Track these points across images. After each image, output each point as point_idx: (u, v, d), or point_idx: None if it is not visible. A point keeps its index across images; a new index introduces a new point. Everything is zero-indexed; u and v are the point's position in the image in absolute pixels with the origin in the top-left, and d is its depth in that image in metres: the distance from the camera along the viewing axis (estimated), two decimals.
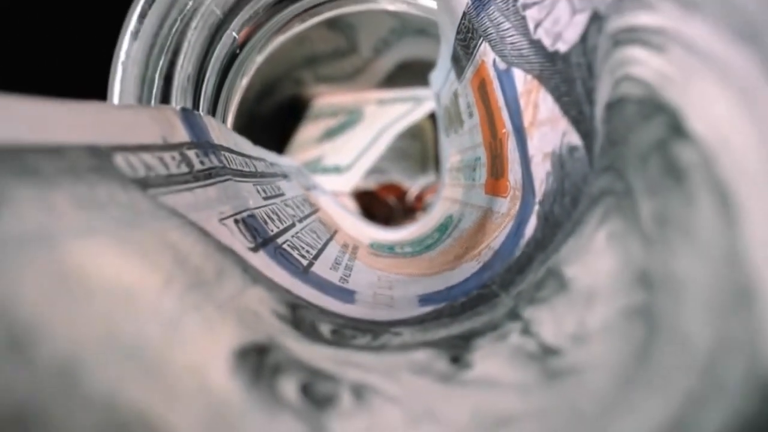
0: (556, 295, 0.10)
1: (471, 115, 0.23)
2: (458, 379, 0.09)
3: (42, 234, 0.07)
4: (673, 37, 0.08)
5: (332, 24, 0.41)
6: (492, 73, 0.16)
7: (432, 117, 0.43)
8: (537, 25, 0.12)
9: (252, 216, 0.15)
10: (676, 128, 0.08)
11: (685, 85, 0.08)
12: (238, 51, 0.18)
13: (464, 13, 0.17)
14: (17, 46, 0.18)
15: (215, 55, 0.16)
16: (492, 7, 0.14)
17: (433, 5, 0.20)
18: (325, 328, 0.11)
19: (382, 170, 0.45)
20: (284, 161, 0.29)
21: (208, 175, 0.14)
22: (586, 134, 0.11)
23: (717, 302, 0.06)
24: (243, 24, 0.17)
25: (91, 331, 0.06)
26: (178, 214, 0.11)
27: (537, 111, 0.13)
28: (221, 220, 0.13)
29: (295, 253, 0.16)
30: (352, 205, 0.43)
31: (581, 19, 0.11)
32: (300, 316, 0.11)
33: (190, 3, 0.15)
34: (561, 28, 0.11)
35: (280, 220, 0.18)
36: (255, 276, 0.12)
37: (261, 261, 0.13)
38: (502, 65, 0.15)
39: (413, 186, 0.46)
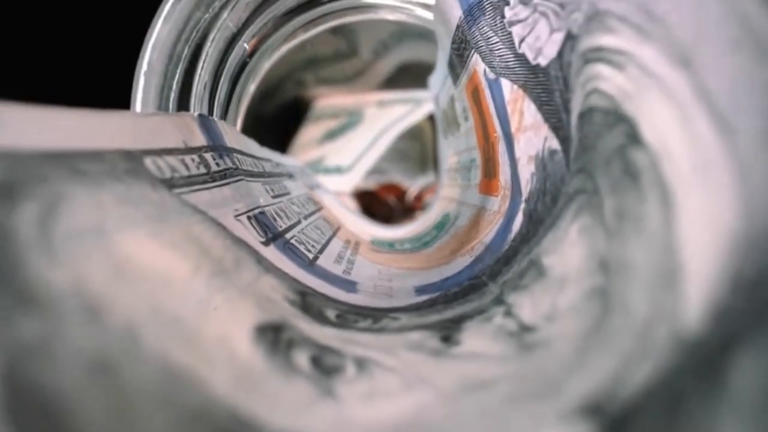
0: (535, 282, 0.12)
1: (466, 118, 0.24)
2: (448, 354, 0.10)
3: (95, 227, 0.08)
4: (630, 57, 0.09)
5: (334, 28, 0.42)
6: (483, 82, 0.17)
7: (431, 118, 0.44)
8: (521, 41, 0.14)
9: (262, 213, 0.16)
10: (633, 136, 0.09)
11: (640, 100, 0.09)
12: (247, 59, 0.20)
13: (458, 26, 0.18)
14: (51, 60, 0.19)
15: (228, 64, 0.18)
16: (482, 22, 0.15)
17: (430, 16, 0.21)
18: (330, 313, 0.13)
19: (382, 170, 0.46)
20: (288, 161, 0.31)
21: (223, 175, 0.15)
22: (564, 139, 0.13)
23: (654, 282, 0.07)
24: (253, 35, 0.19)
25: (142, 305, 0.08)
26: (199, 210, 0.12)
27: (522, 118, 0.15)
28: (236, 216, 0.14)
29: (301, 248, 0.17)
30: (352, 204, 0.44)
31: (558, 38, 0.12)
32: (308, 302, 0.13)
33: (206, 16, 0.16)
34: (541, 44, 0.13)
35: (287, 217, 0.19)
36: (267, 266, 0.13)
37: (272, 254, 0.14)
38: (491, 75, 0.16)
39: (412, 186, 0.47)
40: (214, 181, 0.14)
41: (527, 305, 0.11)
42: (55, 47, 0.20)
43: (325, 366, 0.09)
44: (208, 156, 0.15)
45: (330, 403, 0.08)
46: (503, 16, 0.14)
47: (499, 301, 0.13)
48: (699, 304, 0.06)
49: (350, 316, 0.13)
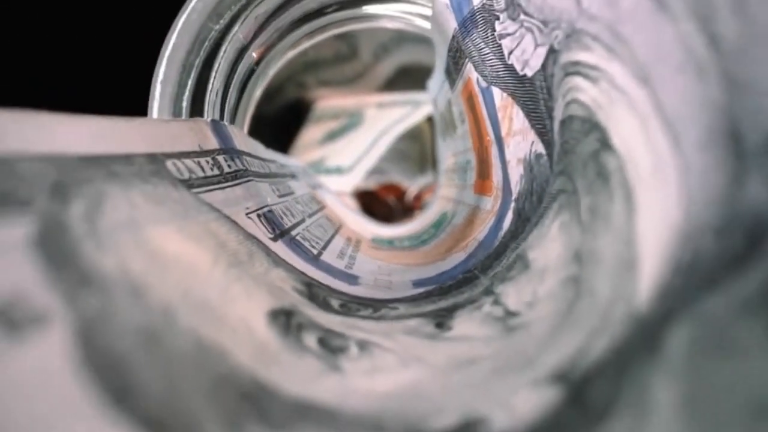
0: (521, 274, 0.13)
1: (463, 122, 0.25)
2: (441, 337, 0.12)
3: (130, 222, 0.10)
4: (602, 73, 0.11)
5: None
6: (477, 89, 0.18)
7: (430, 120, 0.45)
8: (510, 53, 0.15)
9: (270, 211, 0.18)
10: (605, 142, 0.11)
11: (610, 110, 0.10)
12: (255, 67, 0.21)
13: (453, 36, 0.19)
14: (76, 70, 0.20)
15: (237, 72, 0.19)
16: (475, 35, 0.17)
17: (428, 26, 0.22)
18: (335, 302, 0.14)
19: (382, 171, 0.46)
20: (291, 162, 0.32)
21: (234, 176, 0.16)
22: (548, 144, 0.14)
23: (616, 270, 0.09)
24: (260, 45, 0.20)
25: (174, 289, 0.09)
26: (215, 208, 0.13)
27: (512, 123, 0.16)
28: (247, 214, 0.15)
29: (306, 244, 0.18)
30: (353, 204, 0.45)
31: (542, 51, 0.13)
32: (314, 292, 0.14)
33: (217, 27, 0.18)
34: (527, 56, 0.14)
35: (292, 215, 0.20)
36: (276, 260, 0.14)
37: (280, 248, 0.16)
38: (483, 83, 0.17)
39: (412, 186, 0.47)
40: (227, 181, 0.16)
41: (512, 294, 0.12)
42: (80, 59, 0.21)
43: (331, 346, 0.11)
44: (220, 158, 0.16)
45: (336, 376, 0.09)
46: (494, 30, 0.15)
47: (488, 291, 0.14)
48: (649, 287, 0.08)
49: (353, 306, 0.14)
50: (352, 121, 0.49)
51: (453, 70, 0.22)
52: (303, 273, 0.15)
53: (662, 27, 0.09)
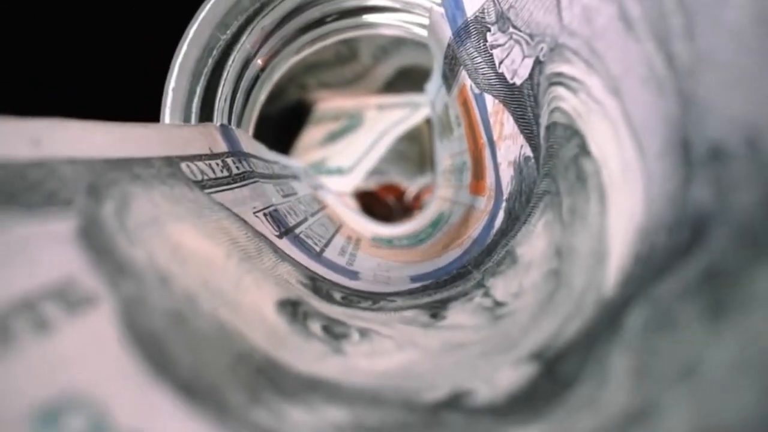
0: (509, 268, 0.14)
1: (459, 125, 0.26)
2: (434, 326, 0.13)
3: (153, 219, 0.11)
4: (581, 84, 0.12)
5: None
6: (470, 95, 0.19)
7: (429, 121, 0.45)
8: (500, 62, 0.16)
9: (276, 211, 0.19)
10: (584, 148, 0.12)
11: (587, 119, 0.11)
12: (260, 73, 0.22)
13: (449, 44, 0.20)
14: (93, 79, 0.22)
15: (244, 79, 0.20)
16: (468, 44, 0.18)
17: (425, 33, 0.23)
18: (337, 295, 0.15)
19: (381, 171, 0.47)
20: (293, 164, 0.33)
21: (242, 177, 0.17)
22: (535, 148, 0.15)
23: (590, 262, 0.10)
24: (266, 53, 0.21)
25: (194, 279, 0.10)
26: (226, 208, 0.15)
27: (503, 128, 0.17)
28: (254, 213, 0.16)
29: (309, 241, 0.19)
30: (353, 204, 0.46)
31: (528, 62, 0.14)
32: (318, 286, 0.15)
33: (224, 36, 0.19)
34: (516, 66, 0.15)
35: (296, 214, 0.21)
36: (282, 255, 0.16)
37: (285, 245, 0.17)
38: (476, 90, 0.18)
39: (411, 186, 0.48)
40: (235, 182, 0.17)
41: (501, 287, 0.13)
42: (97, 68, 0.22)
43: (335, 333, 0.12)
44: (229, 161, 0.17)
45: (339, 357, 0.10)
46: (486, 41, 0.17)
47: (479, 284, 0.15)
48: (615, 276, 0.09)
49: (353, 298, 0.15)
50: (352, 123, 0.50)
51: (449, 76, 0.23)
52: (307, 268, 0.16)
53: (629, 45, 0.10)
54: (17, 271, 0.06)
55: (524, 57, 0.14)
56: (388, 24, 0.24)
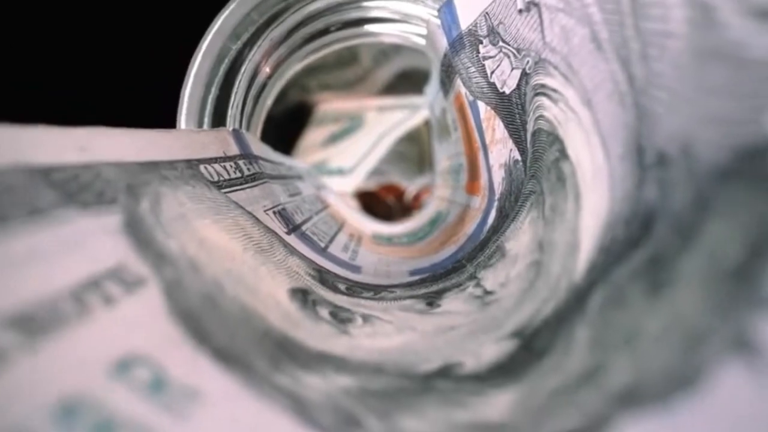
0: (499, 261, 0.15)
1: (456, 128, 0.28)
2: (430, 312, 0.14)
3: (181, 216, 0.12)
4: (561, 95, 0.13)
5: None
6: (465, 101, 0.21)
7: (428, 123, 0.47)
8: (492, 72, 0.17)
9: (284, 209, 0.20)
10: (563, 152, 0.13)
11: (566, 126, 0.13)
12: (267, 80, 0.23)
13: (445, 54, 0.22)
14: (113, 87, 0.23)
15: (254, 85, 0.21)
16: (462, 54, 0.19)
17: (423, 42, 0.25)
18: (341, 286, 0.16)
19: (382, 172, 0.48)
20: (297, 164, 0.34)
21: (253, 178, 0.19)
22: (523, 151, 0.16)
23: (565, 253, 0.11)
24: (273, 61, 0.22)
25: (219, 267, 0.11)
26: (240, 206, 0.16)
27: (494, 133, 0.18)
28: (265, 211, 0.18)
29: (315, 238, 0.21)
30: (355, 204, 0.47)
31: (516, 74, 0.16)
32: (324, 277, 0.16)
33: (235, 46, 0.20)
34: (505, 77, 0.16)
35: (301, 212, 0.23)
36: (292, 250, 0.17)
37: (293, 241, 0.18)
38: (470, 97, 0.20)
39: (411, 186, 0.49)
40: (247, 183, 0.18)
41: (490, 278, 0.15)
42: (118, 78, 0.24)
43: (341, 317, 0.13)
44: (241, 163, 0.19)
45: (346, 337, 0.12)
46: (478, 52, 0.18)
47: (472, 276, 0.16)
48: (583, 264, 0.10)
49: (356, 289, 0.17)
50: (353, 124, 0.51)
51: (446, 82, 0.25)
52: (313, 261, 0.18)
53: (599, 63, 0.11)
54: (83, 256, 0.08)
55: (513, 68, 0.16)
56: (388, 33, 0.25)
